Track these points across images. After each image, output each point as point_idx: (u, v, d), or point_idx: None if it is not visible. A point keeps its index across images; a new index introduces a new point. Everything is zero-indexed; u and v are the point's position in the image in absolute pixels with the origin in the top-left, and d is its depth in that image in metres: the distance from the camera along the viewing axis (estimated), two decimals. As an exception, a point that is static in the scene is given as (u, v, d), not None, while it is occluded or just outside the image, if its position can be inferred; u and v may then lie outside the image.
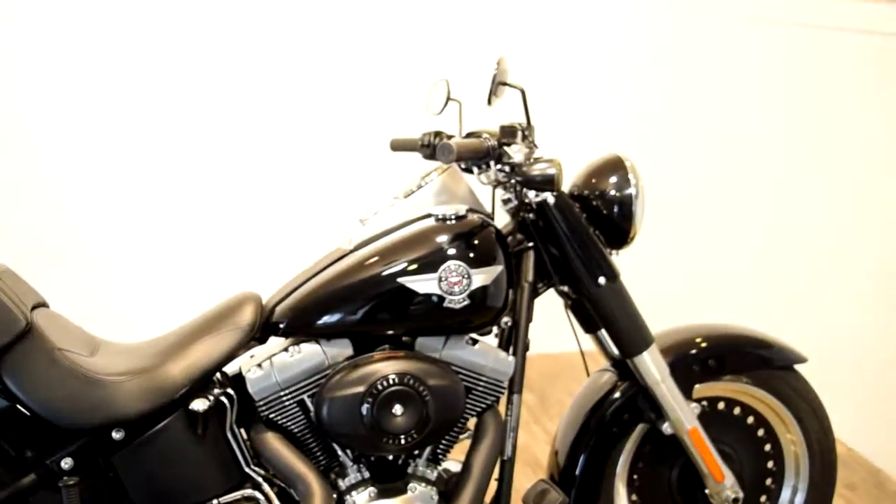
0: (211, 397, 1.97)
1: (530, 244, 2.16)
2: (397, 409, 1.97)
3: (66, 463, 1.89)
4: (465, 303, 2.00)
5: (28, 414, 1.87)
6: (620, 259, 2.22)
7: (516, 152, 2.03)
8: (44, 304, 2.04)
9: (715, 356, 2.28)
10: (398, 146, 2.31)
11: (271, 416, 2.02)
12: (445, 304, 1.99)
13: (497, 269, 2.03)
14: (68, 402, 1.87)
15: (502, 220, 2.20)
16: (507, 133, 2.10)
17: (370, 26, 3.92)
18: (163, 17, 3.77)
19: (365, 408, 1.96)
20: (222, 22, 3.83)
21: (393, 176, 2.37)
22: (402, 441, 1.98)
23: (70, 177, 3.82)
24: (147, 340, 2.08)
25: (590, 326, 2.25)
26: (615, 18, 4.05)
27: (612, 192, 2.17)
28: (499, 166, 2.07)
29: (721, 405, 2.34)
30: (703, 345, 2.29)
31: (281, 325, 2.03)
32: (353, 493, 2.03)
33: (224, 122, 3.88)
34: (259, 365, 2.02)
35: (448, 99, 2.18)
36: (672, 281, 4.01)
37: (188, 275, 3.85)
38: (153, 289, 3.86)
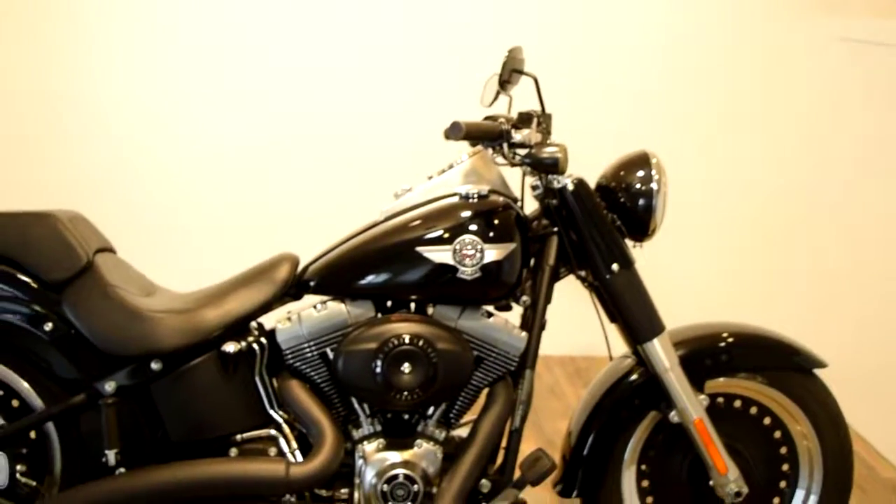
0: (244, 343, 2.19)
1: (554, 229, 2.28)
2: (406, 366, 2.13)
3: (110, 386, 2.14)
4: (477, 275, 2.15)
5: (82, 340, 2.13)
6: (643, 254, 2.32)
7: (525, 136, 2.17)
8: (110, 250, 2.31)
9: (728, 352, 2.34)
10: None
11: (296, 365, 2.21)
12: (458, 274, 2.15)
13: (510, 246, 2.16)
14: (114, 332, 2.12)
15: (532, 205, 2.34)
16: (523, 119, 2.24)
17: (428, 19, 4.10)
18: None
19: (376, 363, 2.13)
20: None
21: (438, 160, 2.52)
22: (409, 397, 2.14)
23: (154, 152, 4.14)
24: (197, 290, 2.32)
25: (612, 314, 2.35)
26: (652, 18, 4.11)
27: (637, 186, 2.28)
28: (511, 149, 2.21)
29: (738, 403, 2.39)
30: (719, 341, 2.35)
31: (312, 284, 2.23)
32: (365, 443, 2.20)
33: (284, 98, 4.11)
34: (289, 318, 2.22)
35: (498, 92, 2.33)
36: (693, 281, 4.07)
37: (245, 241, 4.04)
38: (213, 249, 4.12)
